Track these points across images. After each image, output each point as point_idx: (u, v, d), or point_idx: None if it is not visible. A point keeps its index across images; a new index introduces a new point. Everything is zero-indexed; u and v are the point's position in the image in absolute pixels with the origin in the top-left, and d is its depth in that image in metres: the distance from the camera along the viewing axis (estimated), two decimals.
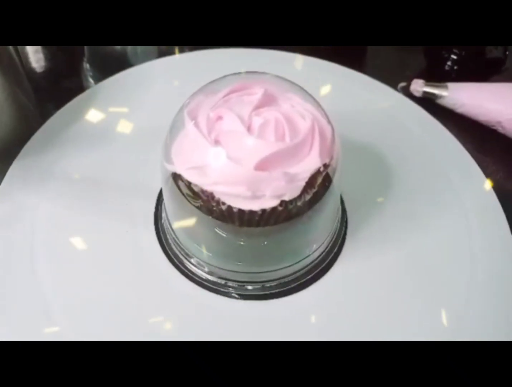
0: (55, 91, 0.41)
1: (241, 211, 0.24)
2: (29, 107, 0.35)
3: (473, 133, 0.40)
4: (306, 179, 0.23)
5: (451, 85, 0.41)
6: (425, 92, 0.42)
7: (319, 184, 0.24)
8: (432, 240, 0.30)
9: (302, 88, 0.26)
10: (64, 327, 0.25)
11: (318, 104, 0.26)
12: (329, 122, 0.25)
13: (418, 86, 0.42)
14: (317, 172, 0.24)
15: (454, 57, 0.44)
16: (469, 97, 0.41)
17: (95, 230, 0.29)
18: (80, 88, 0.39)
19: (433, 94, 0.41)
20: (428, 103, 0.40)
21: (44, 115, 0.35)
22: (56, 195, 0.30)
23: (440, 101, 0.41)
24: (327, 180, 0.25)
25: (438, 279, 0.29)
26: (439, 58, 0.45)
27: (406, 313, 0.27)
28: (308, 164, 0.23)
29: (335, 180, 0.26)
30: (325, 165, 0.24)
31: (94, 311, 0.26)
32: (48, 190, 0.31)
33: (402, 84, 0.43)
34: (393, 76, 0.43)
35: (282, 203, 0.23)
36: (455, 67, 0.45)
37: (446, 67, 0.45)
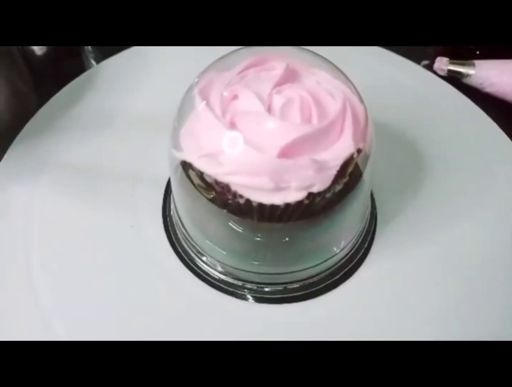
0: (55, 74, 0.40)
1: (261, 205, 0.21)
2: (25, 92, 0.35)
3: (502, 114, 0.37)
4: (338, 168, 0.21)
5: (479, 62, 0.39)
6: (450, 71, 0.39)
7: (350, 173, 0.22)
8: (468, 238, 0.28)
9: (328, 61, 0.24)
10: (59, 327, 0.24)
11: (348, 80, 0.23)
12: (361, 101, 0.23)
13: (443, 65, 0.39)
14: (350, 159, 0.21)
15: None
16: (498, 75, 0.38)
17: (96, 224, 0.28)
18: (81, 70, 0.37)
19: (459, 72, 0.39)
20: (452, 82, 0.37)
21: (43, 99, 0.34)
22: (53, 185, 0.29)
23: (465, 80, 0.39)
24: (357, 169, 0.23)
25: (473, 281, 0.27)
26: None
27: (438, 316, 0.26)
28: (339, 149, 0.21)
29: (367, 168, 0.23)
30: (359, 151, 0.22)
31: (94, 311, 0.25)
32: (44, 181, 0.29)
33: (425, 62, 0.41)
34: (414, 54, 0.40)
35: (310, 195, 0.21)
36: None
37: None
